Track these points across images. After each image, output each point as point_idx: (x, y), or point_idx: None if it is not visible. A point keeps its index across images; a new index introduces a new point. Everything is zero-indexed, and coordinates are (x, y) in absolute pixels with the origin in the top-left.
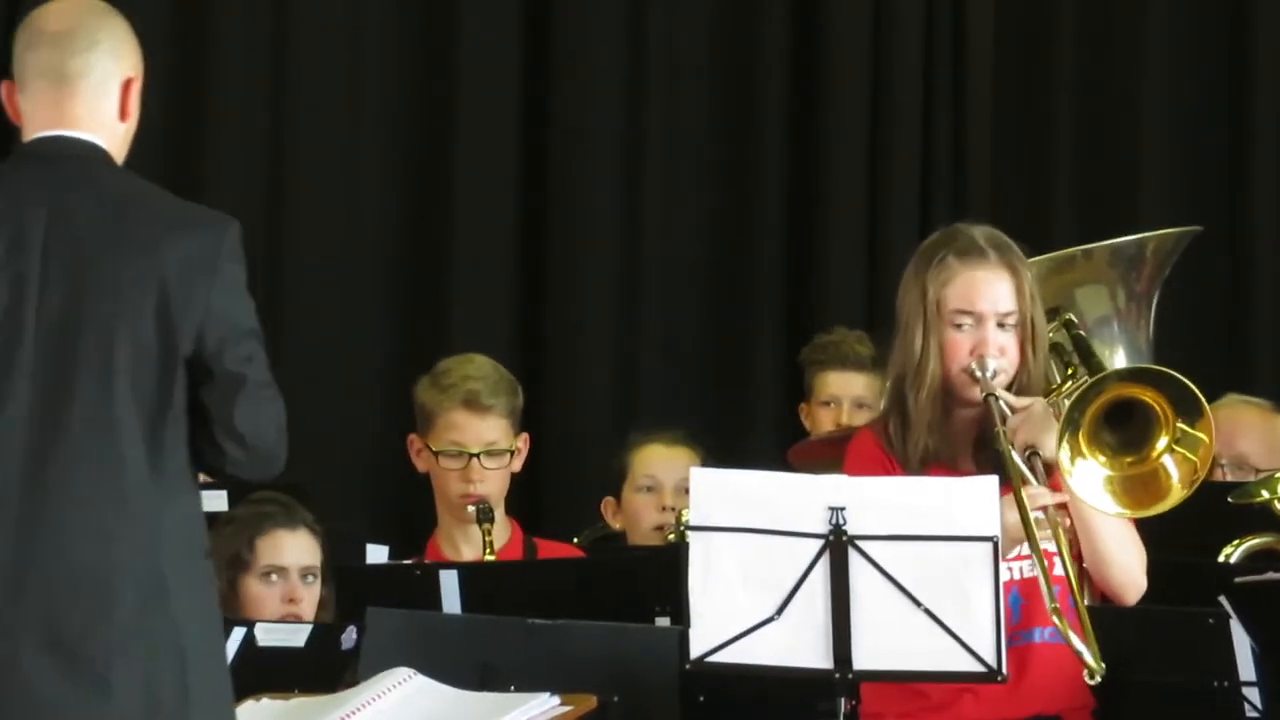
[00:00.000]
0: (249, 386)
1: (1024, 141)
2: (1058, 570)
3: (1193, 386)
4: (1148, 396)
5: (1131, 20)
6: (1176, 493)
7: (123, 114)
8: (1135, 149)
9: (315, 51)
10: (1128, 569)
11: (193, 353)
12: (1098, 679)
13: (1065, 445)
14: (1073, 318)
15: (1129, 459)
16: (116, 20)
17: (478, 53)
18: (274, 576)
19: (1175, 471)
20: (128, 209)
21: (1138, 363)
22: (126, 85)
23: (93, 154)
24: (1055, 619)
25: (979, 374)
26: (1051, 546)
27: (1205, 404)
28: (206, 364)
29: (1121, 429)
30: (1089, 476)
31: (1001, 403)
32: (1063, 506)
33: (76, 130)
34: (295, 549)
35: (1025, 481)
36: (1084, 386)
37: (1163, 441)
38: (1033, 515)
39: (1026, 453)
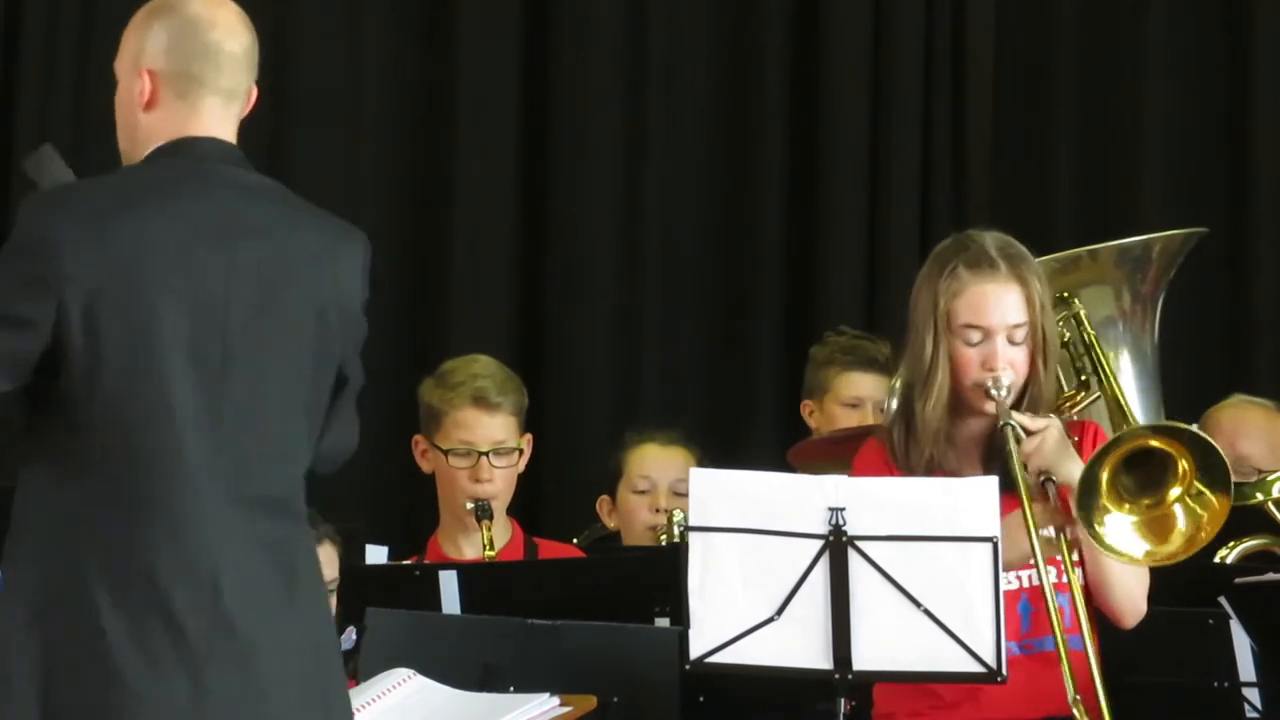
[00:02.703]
0: (356, 391)
1: (1024, 141)
2: (1061, 601)
3: (1221, 452)
4: (1170, 448)
5: (1132, 21)
6: (1177, 539)
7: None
8: (1136, 149)
9: (315, 51)
10: (1130, 595)
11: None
12: None
13: (1092, 510)
14: (1081, 313)
15: (1147, 501)
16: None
17: (477, 52)
18: None
19: (1183, 519)
20: (301, 218)
21: (1142, 367)
22: (249, 95)
23: (241, 159)
24: (1075, 710)
25: (994, 393)
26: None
27: (1229, 473)
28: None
29: (1140, 471)
30: (1119, 529)
31: (1016, 426)
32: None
33: (224, 137)
34: (321, 564)
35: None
36: (1102, 450)
37: (1176, 491)
38: (1042, 534)
39: (1040, 478)
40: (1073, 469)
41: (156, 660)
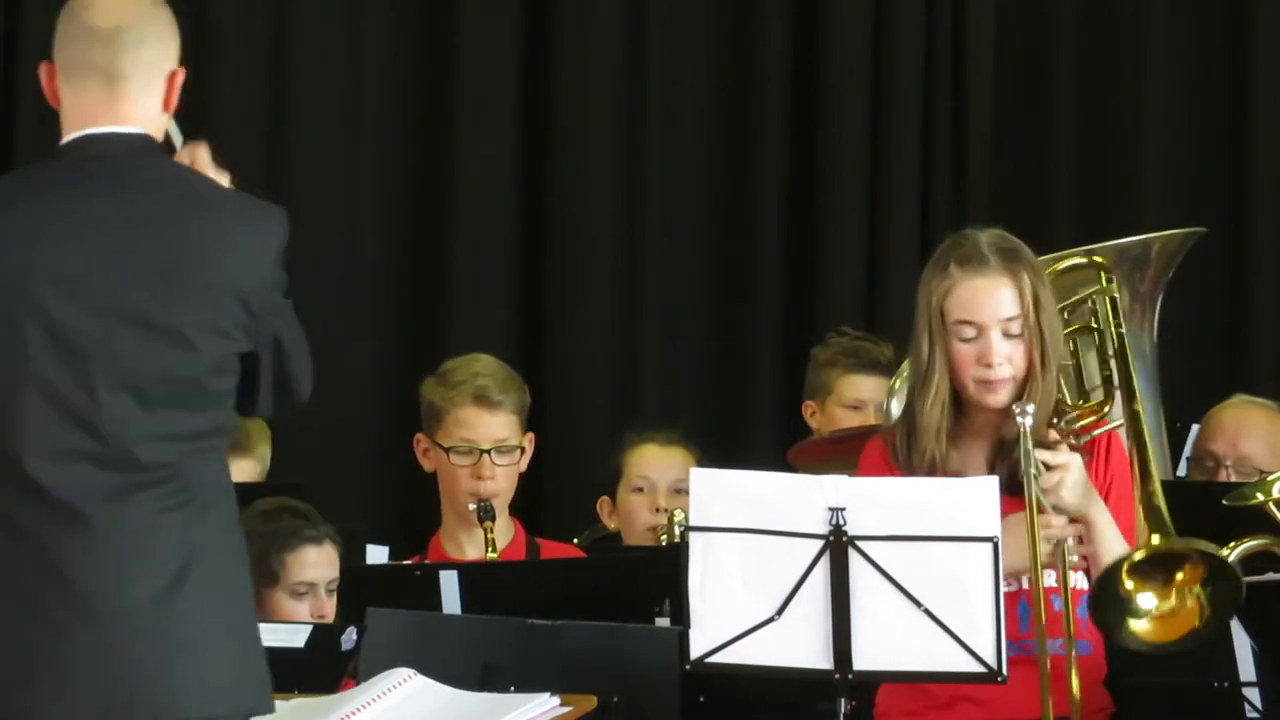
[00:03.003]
0: (288, 347)
1: (1024, 141)
2: (1057, 606)
3: (1241, 583)
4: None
5: (1132, 21)
6: (1165, 606)
7: (166, 106)
8: (1135, 149)
9: (315, 52)
10: None
11: (252, 347)
12: None
13: (1115, 615)
14: (1110, 301)
15: (1162, 578)
16: (163, 12)
17: (477, 53)
18: (304, 591)
19: (1174, 599)
20: (191, 207)
21: (1141, 366)
22: (171, 78)
23: (145, 147)
24: None
25: (1021, 421)
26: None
27: (1238, 603)
28: (261, 347)
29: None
30: (1146, 612)
31: (1037, 463)
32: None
33: (126, 126)
34: (322, 564)
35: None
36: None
37: (1180, 576)
38: (1043, 546)
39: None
40: (1093, 511)
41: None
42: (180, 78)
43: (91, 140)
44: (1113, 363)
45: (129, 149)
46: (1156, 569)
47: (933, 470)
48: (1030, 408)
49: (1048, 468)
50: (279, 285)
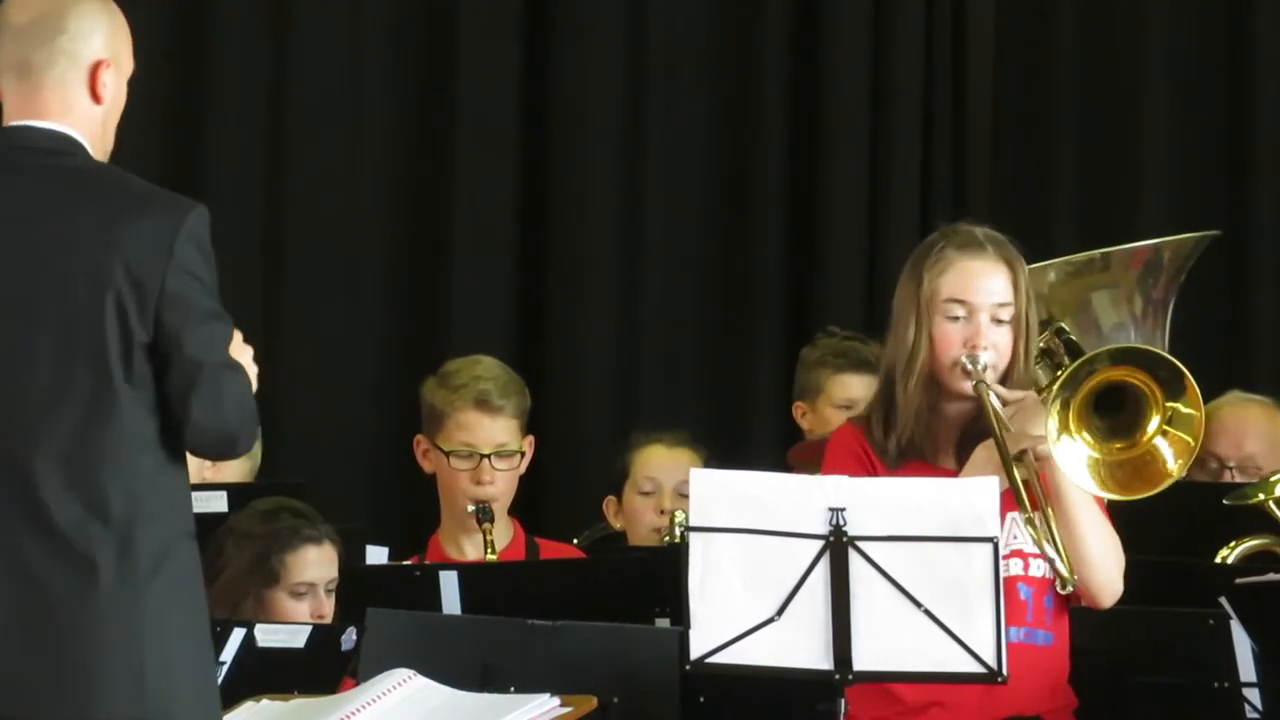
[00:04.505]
0: (206, 371)
1: (1024, 145)
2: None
3: (1177, 363)
4: (1137, 379)
5: (1132, 23)
6: (1174, 472)
7: (94, 98)
8: (1135, 152)
9: (315, 50)
10: (1107, 570)
11: (151, 339)
12: (1069, 589)
13: (1054, 418)
14: (1064, 325)
15: (1119, 444)
16: (87, 5)
17: (477, 52)
18: (304, 592)
19: (1169, 451)
20: (83, 197)
21: None
22: (95, 69)
23: (56, 143)
24: (1029, 528)
25: (969, 366)
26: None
27: (1190, 379)
28: (165, 351)
29: (1112, 415)
30: (1075, 455)
31: (993, 395)
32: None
33: (46, 120)
34: (322, 564)
35: (1020, 474)
36: (1074, 366)
37: (1154, 423)
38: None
39: (1019, 448)
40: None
41: None
42: (110, 68)
43: (6, 132)
44: (1066, 359)
45: (39, 142)
46: (1115, 430)
47: (907, 453)
48: (985, 359)
49: (1005, 404)
50: (189, 282)
